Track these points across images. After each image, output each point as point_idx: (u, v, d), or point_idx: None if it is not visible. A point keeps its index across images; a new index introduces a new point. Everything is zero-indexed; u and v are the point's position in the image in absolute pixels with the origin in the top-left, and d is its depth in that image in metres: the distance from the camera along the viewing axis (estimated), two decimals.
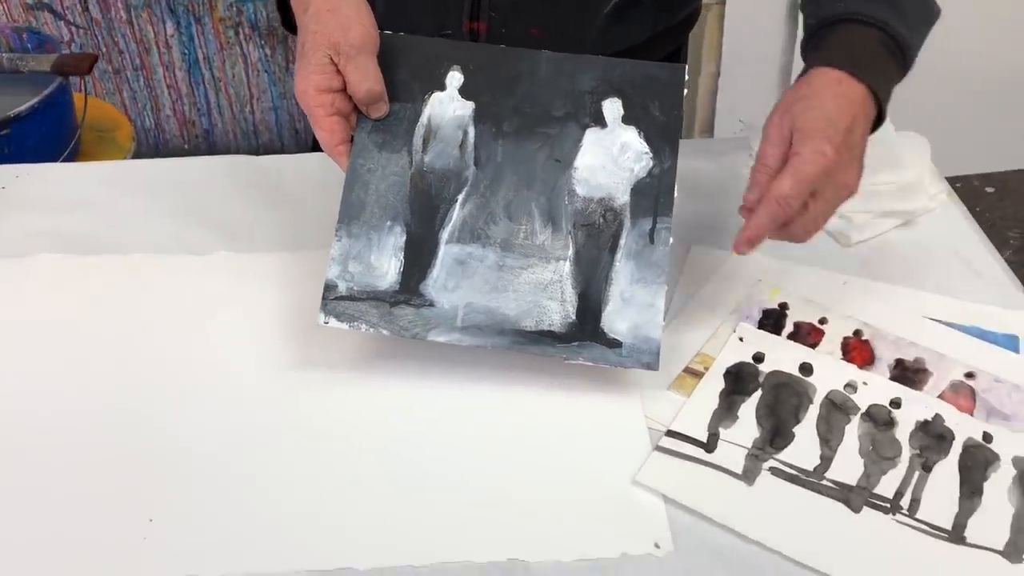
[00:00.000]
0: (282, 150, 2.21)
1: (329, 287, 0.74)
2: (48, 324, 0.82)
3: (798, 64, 2.34)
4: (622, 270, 0.74)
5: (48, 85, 1.39)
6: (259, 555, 0.65)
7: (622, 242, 0.75)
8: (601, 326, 0.73)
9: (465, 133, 0.77)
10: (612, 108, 0.77)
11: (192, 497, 0.68)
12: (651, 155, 0.76)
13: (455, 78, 0.78)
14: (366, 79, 0.74)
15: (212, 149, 2.22)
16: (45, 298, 0.84)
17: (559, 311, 0.74)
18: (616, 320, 0.73)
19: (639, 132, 0.76)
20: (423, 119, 0.77)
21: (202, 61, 2.10)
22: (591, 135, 0.77)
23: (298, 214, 0.93)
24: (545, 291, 0.74)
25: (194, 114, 2.18)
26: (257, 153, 2.19)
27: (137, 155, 1.65)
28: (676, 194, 0.75)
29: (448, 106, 0.77)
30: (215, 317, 0.82)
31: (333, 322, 0.73)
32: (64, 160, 1.45)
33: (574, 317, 0.73)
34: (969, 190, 2.33)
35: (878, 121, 0.77)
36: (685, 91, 0.76)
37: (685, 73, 0.77)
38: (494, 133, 0.77)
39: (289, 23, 0.78)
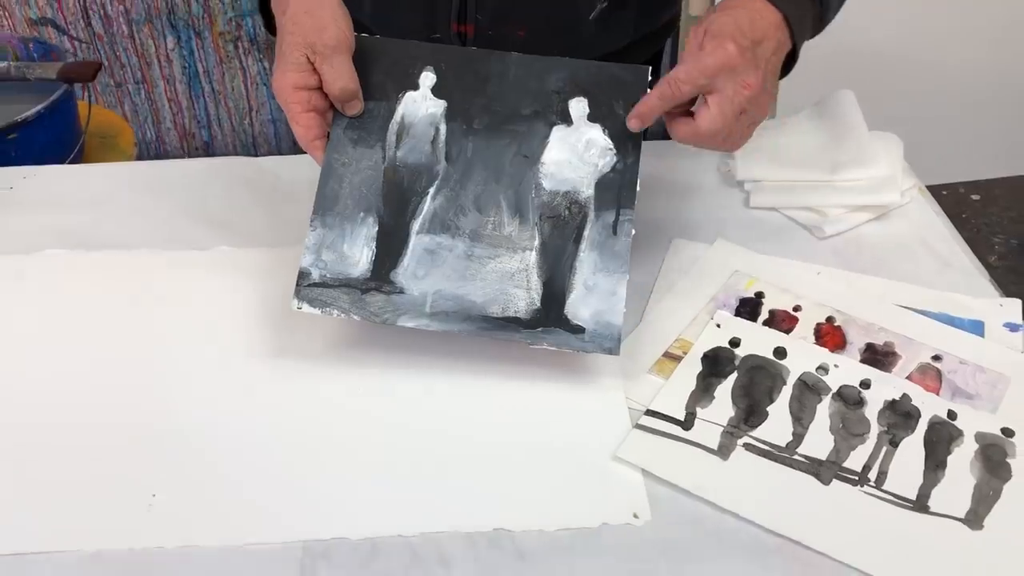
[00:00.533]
0: None
1: (303, 274, 0.77)
2: (55, 315, 0.85)
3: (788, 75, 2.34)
4: (586, 260, 0.77)
5: (53, 92, 1.43)
6: (256, 526, 0.68)
7: (586, 233, 0.78)
8: (565, 313, 0.76)
9: (437, 130, 0.81)
10: (578, 107, 0.81)
11: (192, 473, 0.72)
12: (615, 151, 0.80)
13: (428, 78, 0.81)
14: (340, 77, 0.77)
15: None
16: (52, 291, 0.88)
17: (525, 298, 0.77)
18: (579, 307, 0.76)
19: (604, 130, 0.80)
20: (396, 116, 0.81)
21: (202, 74, 2.14)
22: (557, 132, 0.80)
23: (292, 211, 0.96)
24: (512, 280, 0.77)
25: (194, 126, 2.22)
26: None
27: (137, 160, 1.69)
28: (639, 188, 0.79)
29: (421, 104, 0.81)
30: (213, 307, 0.86)
31: (306, 307, 0.76)
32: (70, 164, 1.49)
33: (539, 304, 0.77)
34: (955, 197, 2.37)
35: (790, 63, 0.81)
36: (649, 91, 0.80)
37: (648, 74, 0.81)
38: (464, 130, 0.80)
39: (271, 26, 0.82)
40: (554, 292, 0.77)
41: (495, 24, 0.94)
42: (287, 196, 0.99)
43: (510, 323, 0.76)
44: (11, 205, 0.98)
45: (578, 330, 0.76)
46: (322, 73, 0.77)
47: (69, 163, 1.50)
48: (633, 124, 0.79)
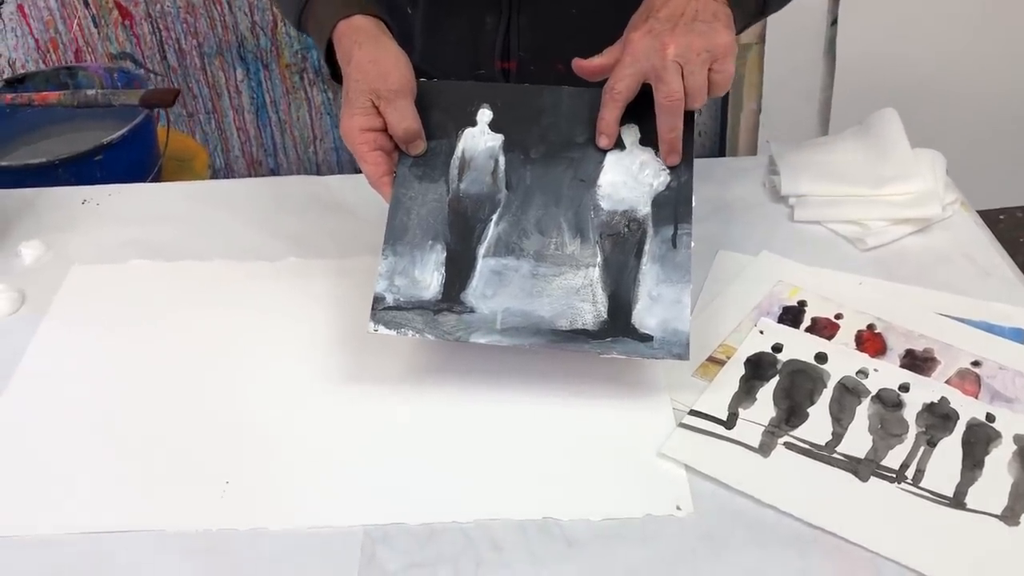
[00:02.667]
0: None
1: (378, 299, 0.81)
2: (138, 320, 0.92)
3: (837, 99, 2.39)
4: (648, 272, 0.81)
5: (136, 117, 1.53)
6: (320, 511, 0.73)
7: (647, 248, 0.82)
8: (632, 322, 0.79)
9: (496, 161, 0.85)
10: (629, 133, 0.85)
11: (263, 463, 0.77)
12: (668, 171, 0.83)
13: (485, 114, 0.86)
14: (404, 119, 0.82)
15: None
16: (136, 298, 0.95)
17: (591, 311, 0.80)
18: (646, 316, 0.80)
19: (656, 153, 0.84)
20: (457, 152, 0.85)
21: (269, 104, 2.24)
22: (612, 157, 0.84)
23: (355, 226, 1.02)
24: (577, 294, 0.81)
25: (261, 154, 2.32)
26: None
27: None
28: (695, 203, 0.83)
29: (479, 139, 0.86)
30: (283, 312, 0.92)
31: (382, 329, 0.80)
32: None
33: (606, 316, 0.80)
34: (1014, 221, 2.35)
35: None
36: (696, 115, 0.83)
37: None
38: (522, 160, 0.85)
39: (337, 75, 0.88)
40: (620, 304, 0.80)
41: (536, 60, 0.99)
42: (351, 212, 1.05)
43: (579, 335, 0.79)
44: (98, 220, 1.06)
45: (646, 338, 0.79)
46: (386, 116, 0.82)
47: (149, 182, 1.60)
48: (603, 142, 0.83)
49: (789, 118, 2.18)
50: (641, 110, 0.83)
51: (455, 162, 0.85)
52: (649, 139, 0.84)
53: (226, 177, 2.34)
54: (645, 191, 0.83)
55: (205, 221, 1.05)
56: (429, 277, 0.81)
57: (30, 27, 2.07)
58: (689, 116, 0.82)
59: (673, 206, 0.83)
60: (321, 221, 1.04)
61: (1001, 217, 2.30)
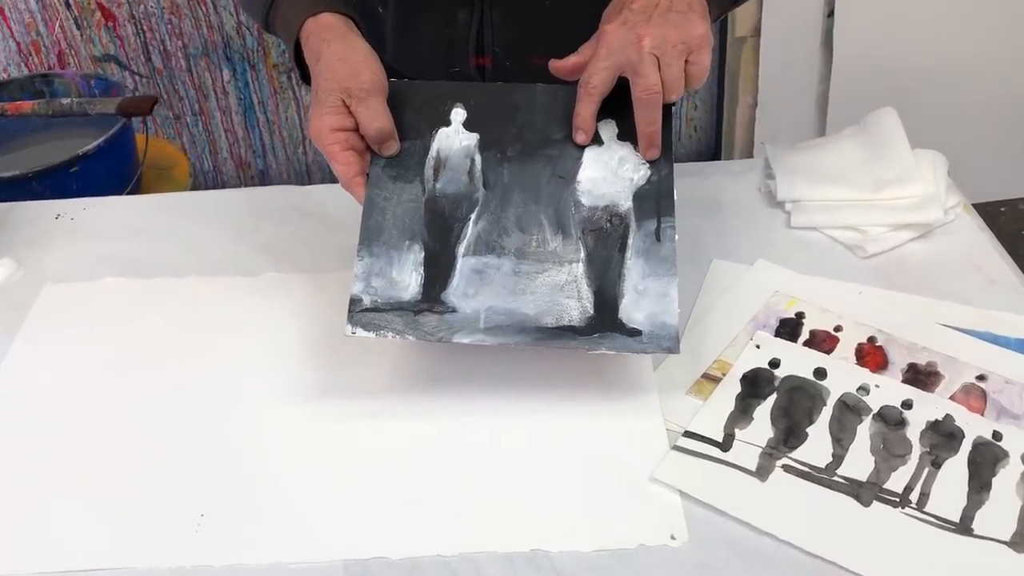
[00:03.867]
0: None
1: (354, 301, 0.78)
2: (112, 343, 0.89)
3: (835, 93, 2.35)
4: (633, 267, 0.79)
5: (112, 126, 1.49)
6: (299, 545, 0.70)
7: (630, 242, 0.79)
8: (619, 317, 0.77)
9: (472, 160, 0.83)
10: (607, 128, 0.83)
11: (239, 494, 0.74)
12: (647, 165, 0.81)
13: (459, 114, 0.84)
14: (376, 119, 0.79)
15: None
16: (109, 318, 0.92)
17: (577, 307, 0.78)
18: (633, 311, 0.77)
19: (634, 147, 0.82)
20: (432, 152, 0.83)
21: (257, 105, 2.20)
22: (590, 153, 0.82)
23: (339, 239, 0.98)
24: (562, 291, 0.78)
25: (250, 156, 2.28)
26: None
27: (194, 190, 1.75)
28: (676, 197, 0.80)
29: (454, 138, 0.83)
30: (261, 331, 0.89)
31: (360, 332, 0.77)
32: (127, 195, 1.55)
33: (592, 312, 0.77)
34: (1015, 213, 2.32)
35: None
36: (674, 109, 0.82)
37: None
38: (499, 158, 0.83)
39: (306, 76, 0.84)
40: (606, 299, 0.78)
41: (511, 55, 0.96)
42: (332, 223, 1.02)
43: (565, 332, 0.77)
44: (72, 235, 1.03)
45: (635, 333, 0.76)
46: (358, 115, 0.79)
47: (127, 194, 1.56)
48: (580, 138, 0.81)
49: (786, 112, 2.14)
50: (617, 104, 0.81)
51: (430, 162, 0.83)
52: (627, 133, 0.82)
53: (214, 181, 2.30)
54: (625, 186, 0.81)
55: (182, 235, 1.02)
56: (408, 277, 0.79)
57: (11, 30, 2.03)
58: (667, 109, 0.80)
59: (655, 199, 0.81)
60: (301, 232, 1.01)
61: (1002, 210, 2.26)
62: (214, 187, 2.30)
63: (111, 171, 1.51)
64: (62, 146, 1.53)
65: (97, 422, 0.81)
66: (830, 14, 2.03)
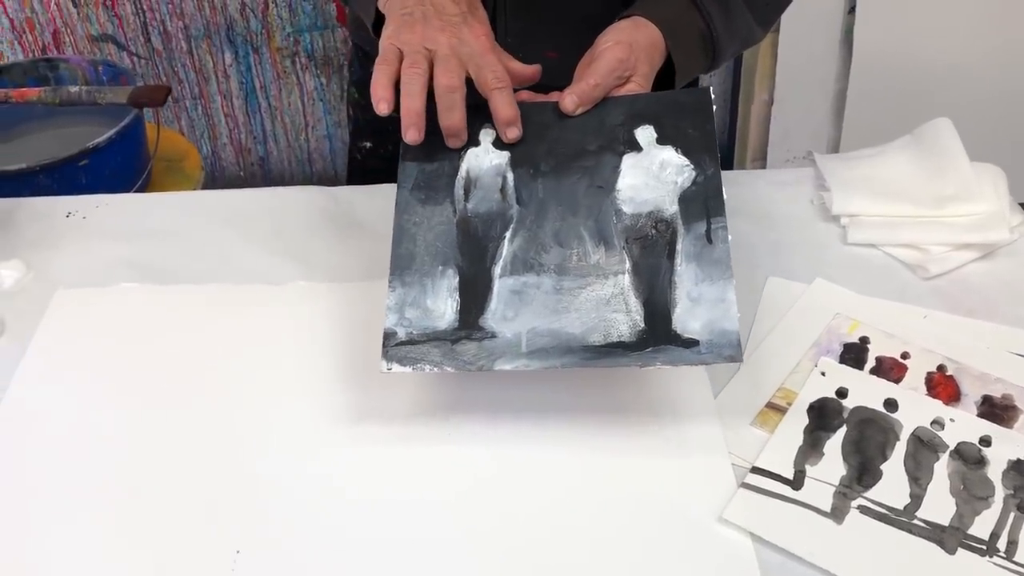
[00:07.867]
0: (335, 177, 2.24)
1: (388, 335, 0.73)
2: (129, 355, 0.83)
3: (852, 92, 2.30)
4: (684, 273, 0.74)
5: (124, 117, 1.41)
6: None
7: (679, 247, 0.75)
8: (673, 328, 0.72)
9: (504, 178, 0.79)
10: (645, 134, 0.79)
11: (276, 529, 0.69)
12: (692, 166, 0.77)
13: (488, 134, 0.80)
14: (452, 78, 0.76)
15: (267, 176, 2.26)
16: (126, 328, 0.86)
17: (626, 321, 0.73)
18: (688, 320, 0.72)
19: (676, 149, 0.78)
20: (461, 172, 0.79)
21: (259, 90, 2.13)
22: (629, 159, 0.78)
23: (369, 244, 0.93)
24: (608, 305, 0.73)
25: (250, 142, 2.21)
26: (311, 180, 2.23)
27: (203, 183, 1.68)
28: (726, 196, 0.76)
29: (484, 158, 0.79)
30: (292, 348, 0.83)
31: (396, 367, 0.72)
32: (137, 190, 1.47)
33: (643, 325, 0.72)
34: None
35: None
36: (714, 107, 0.79)
37: (711, 95, 0.80)
38: (532, 174, 0.78)
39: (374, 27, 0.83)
40: (657, 310, 0.73)
41: (524, 46, 0.91)
42: (363, 228, 0.96)
43: (615, 348, 0.72)
44: (85, 235, 0.97)
45: (691, 343, 0.71)
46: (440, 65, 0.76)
47: (137, 189, 1.49)
48: (567, 102, 0.79)
49: (802, 110, 2.09)
50: (654, 112, 0.79)
51: (459, 182, 0.79)
52: (666, 136, 0.79)
53: (213, 166, 2.23)
54: (669, 189, 0.77)
55: (202, 237, 0.95)
56: (443, 305, 0.74)
57: (4, 6, 1.95)
58: (708, 107, 0.79)
59: (703, 200, 0.76)
60: (330, 238, 0.95)
61: None
62: (213, 173, 2.23)
63: (122, 164, 1.43)
64: (66, 135, 1.46)
65: (121, 448, 0.75)
66: (851, 10, 1.98)
